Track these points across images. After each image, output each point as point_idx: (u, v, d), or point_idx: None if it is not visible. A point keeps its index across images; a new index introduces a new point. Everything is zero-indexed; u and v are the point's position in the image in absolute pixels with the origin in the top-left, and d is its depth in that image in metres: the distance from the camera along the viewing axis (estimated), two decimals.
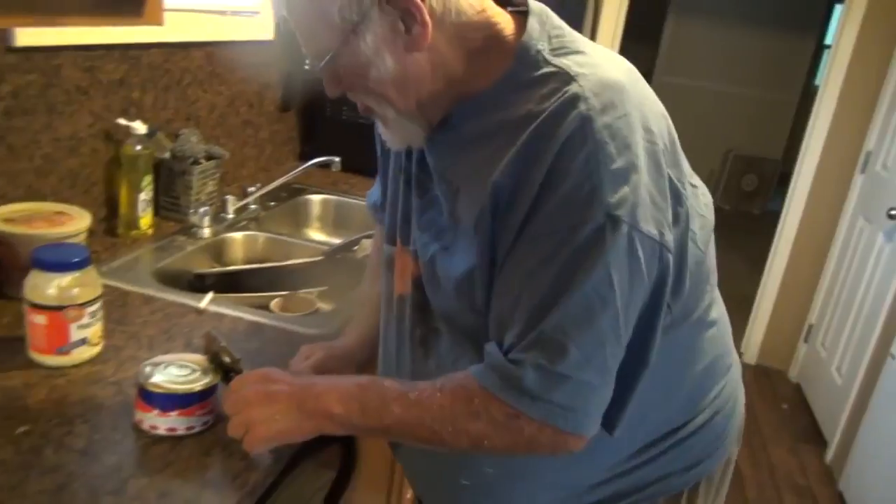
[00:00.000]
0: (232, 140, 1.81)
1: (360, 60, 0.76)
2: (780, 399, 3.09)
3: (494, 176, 0.75)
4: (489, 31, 0.78)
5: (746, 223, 5.62)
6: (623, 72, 0.78)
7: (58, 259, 0.94)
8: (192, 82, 1.61)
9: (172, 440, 0.86)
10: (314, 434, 0.81)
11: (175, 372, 0.89)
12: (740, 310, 3.38)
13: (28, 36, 1.15)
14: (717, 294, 0.93)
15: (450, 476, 0.93)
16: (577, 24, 2.88)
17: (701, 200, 0.85)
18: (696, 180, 0.86)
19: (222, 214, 1.59)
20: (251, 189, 1.68)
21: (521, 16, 0.80)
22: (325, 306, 1.42)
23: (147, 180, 1.41)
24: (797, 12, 5.60)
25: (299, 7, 0.76)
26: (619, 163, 0.70)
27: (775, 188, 5.80)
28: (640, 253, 0.71)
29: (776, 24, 5.63)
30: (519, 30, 0.78)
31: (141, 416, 0.87)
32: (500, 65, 0.77)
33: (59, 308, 0.94)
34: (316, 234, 1.89)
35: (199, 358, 0.93)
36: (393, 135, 0.86)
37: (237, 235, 1.57)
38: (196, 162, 1.53)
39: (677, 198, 0.77)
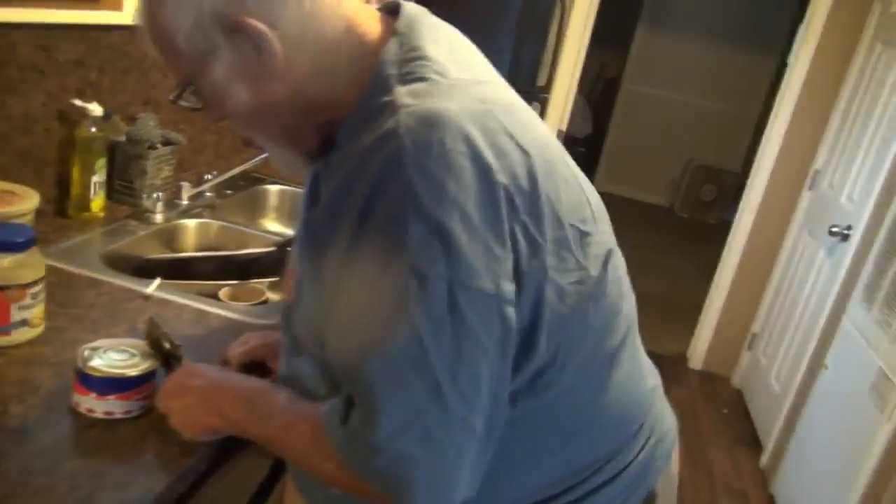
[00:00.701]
0: (191, 126, 1.81)
1: (215, 90, 0.73)
2: (722, 404, 3.19)
3: (314, 212, 0.72)
4: (356, 51, 0.73)
5: (703, 232, 5.75)
6: (467, 103, 0.69)
7: (1, 239, 0.95)
8: (152, 66, 1.61)
9: (109, 423, 0.87)
10: (214, 431, 0.83)
11: (114, 356, 0.90)
12: (691, 316, 3.47)
13: None
14: (623, 358, 0.83)
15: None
16: (543, 28, 2.92)
17: (591, 251, 0.76)
18: (596, 222, 0.78)
19: (176, 200, 1.59)
20: (207, 176, 1.68)
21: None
22: (274, 297, 1.43)
23: (101, 163, 1.41)
24: (763, 29, 5.74)
25: (149, 37, 0.74)
26: (431, 210, 0.63)
27: (733, 199, 5.94)
28: (468, 310, 0.65)
29: (743, 39, 5.77)
30: (386, 40, 0.74)
31: (78, 399, 0.88)
32: (363, 87, 0.73)
33: (1, 288, 0.94)
34: (272, 224, 1.90)
35: (139, 343, 0.95)
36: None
37: (190, 222, 1.57)
38: (152, 146, 1.52)
39: (532, 248, 0.69)
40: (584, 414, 0.80)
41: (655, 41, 5.95)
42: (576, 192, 0.77)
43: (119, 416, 0.88)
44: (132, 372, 0.88)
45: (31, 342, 0.99)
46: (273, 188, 1.91)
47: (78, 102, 1.38)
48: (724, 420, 3.07)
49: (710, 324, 3.39)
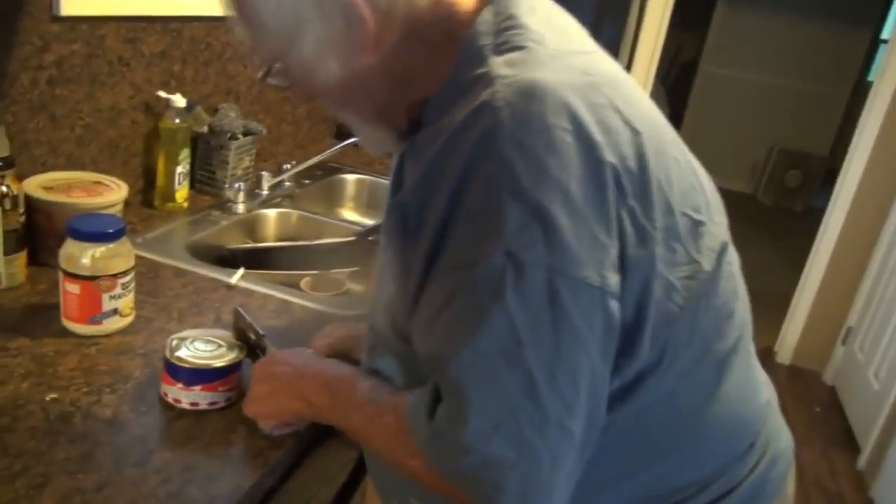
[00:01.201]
0: (269, 116, 1.82)
1: (304, 66, 0.70)
2: (814, 401, 3.03)
3: (400, 195, 0.67)
4: (448, 22, 0.68)
5: (788, 220, 5.49)
6: (570, 73, 0.64)
7: (92, 229, 0.95)
8: (232, 57, 1.61)
9: (197, 414, 0.86)
10: (299, 416, 0.81)
11: (201, 347, 0.89)
12: (776, 309, 3.30)
13: (73, 5, 1.16)
14: (735, 365, 0.75)
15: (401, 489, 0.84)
16: (622, 12, 2.81)
17: (705, 243, 0.69)
18: (710, 211, 0.71)
19: (257, 190, 1.59)
20: (286, 166, 1.68)
21: None
22: (355, 287, 1.42)
23: (184, 153, 1.42)
24: (853, 4, 5.41)
25: (237, 17, 0.72)
26: (529, 190, 0.58)
27: (820, 185, 5.64)
28: (569, 302, 0.59)
29: (830, 15, 5.44)
30: (478, 10, 0.69)
31: (166, 389, 0.87)
32: (451, 56, 0.68)
33: (93, 278, 0.95)
34: (349, 213, 1.89)
35: (226, 334, 0.94)
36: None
37: (271, 212, 1.57)
38: (234, 137, 1.53)
39: (640, 236, 0.62)
40: (684, 426, 0.73)
41: (736, 20, 5.69)
42: (688, 177, 0.70)
43: (204, 406, 0.87)
44: (218, 363, 0.87)
45: (121, 331, 1.00)
46: (350, 177, 1.90)
47: (162, 94, 1.39)
48: (816, 419, 2.91)
49: (799, 316, 3.22)
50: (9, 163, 1.01)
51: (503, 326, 0.59)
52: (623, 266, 0.62)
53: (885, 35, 5.52)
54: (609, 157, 0.61)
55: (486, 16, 0.68)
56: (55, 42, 1.17)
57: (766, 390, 0.84)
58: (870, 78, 5.52)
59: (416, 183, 0.66)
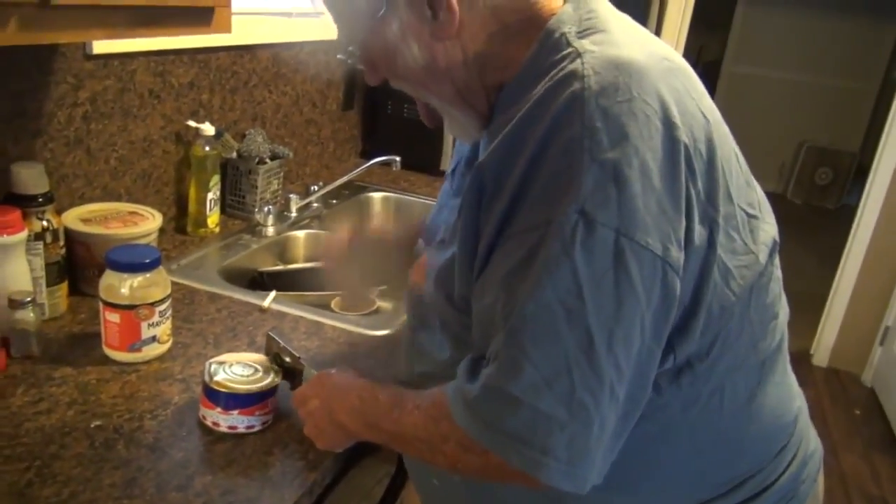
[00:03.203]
0: (295, 139, 1.85)
1: (388, 47, 0.73)
2: (853, 404, 2.97)
3: (481, 157, 0.68)
4: (529, 11, 0.71)
5: (820, 218, 5.40)
6: (649, 55, 0.67)
7: (130, 260, 0.98)
8: (258, 83, 1.65)
9: (235, 438, 0.88)
10: (341, 442, 0.85)
11: (238, 371, 0.92)
12: (811, 309, 3.25)
13: (104, 44, 1.21)
14: (776, 369, 0.77)
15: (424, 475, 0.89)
16: (642, 9, 2.81)
17: (759, 237, 0.71)
18: (762, 209, 0.74)
19: (286, 213, 1.62)
20: (314, 188, 1.71)
21: None
22: (385, 305, 1.44)
23: (215, 180, 1.46)
24: None
25: (327, 1, 0.76)
26: (609, 154, 0.60)
27: (852, 182, 5.55)
28: (633, 266, 0.60)
29: (854, 10, 5.36)
30: (557, 5, 0.72)
31: (205, 412, 0.90)
32: (531, 45, 0.71)
33: (131, 307, 0.98)
34: None
35: (261, 358, 0.96)
36: (451, 125, 0.81)
37: (300, 234, 1.60)
38: (261, 161, 1.57)
39: (704, 218, 0.65)
40: (727, 423, 0.74)
41: (758, 18, 5.63)
42: (744, 174, 0.73)
43: (242, 430, 0.89)
44: (255, 388, 0.89)
45: (159, 358, 1.03)
46: (376, 196, 1.92)
47: (192, 123, 1.43)
48: (856, 421, 2.85)
49: (835, 317, 3.16)
50: (49, 198, 1.06)
51: (568, 281, 0.60)
52: (686, 245, 0.63)
53: None
54: (684, 136, 0.63)
55: (567, 9, 0.71)
56: (89, 79, 1.22)
57: (798, 398, 0.86)
58: None
59: (496, 147, 0.67)
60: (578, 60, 0.64)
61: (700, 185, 0.64)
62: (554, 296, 0.60)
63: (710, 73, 5.93)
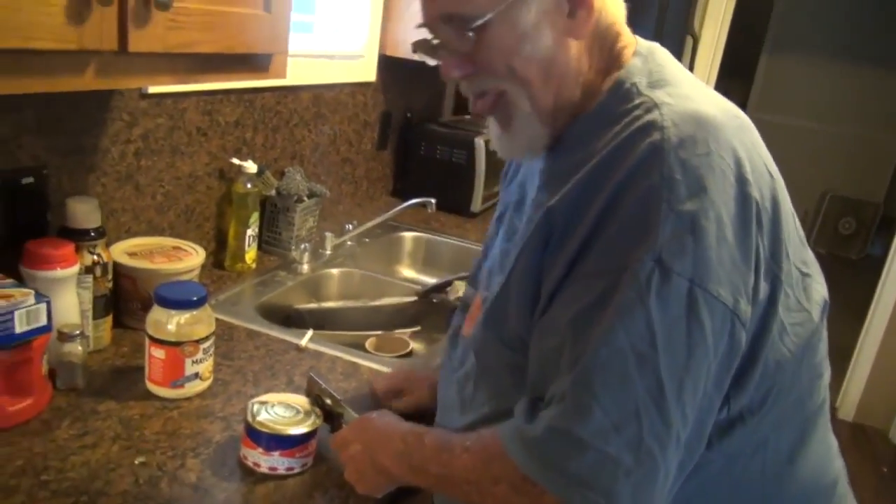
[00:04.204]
0: (331, 177, 1.88)
1: (516, 31, 0.69)
2: (880, 461, 2.91)
3: (552, 201, 0.69)
4: (612, 48, 0.74)
5: (843, 268, 5.35)
6: (722, 111, 0.69)
7: (178, 297, 1.00)
8: (298, 122, 1.69)
9: (276, 480, 0.89)
10: (384, 486, 0.85)
11: (281, 412, 0.92)
12: (836, 362, 3.17)
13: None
14: (819, 427, 0.77)
15: None
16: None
17: (812, 295, 0.72)
18: (812, 268, 0.75)
19: (321, 250, 1.64)
20: (349, 226, 1.73)
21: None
22: (417, 346, 1.44)
23: (254, 217, 1.48)
24: None
25: None
26: (687, 205, 0.61)
27: (875, 232, 5.51)
28: (705, 316, 0.61)
29: (878, 59, 5.38)
30: (628, 57, 0.75)
31: (246, 452, 0.90)
32: (602, 90, 0.73)
33: (177, 344, 0.99)
34: (406, 270, 1.93)
35: (303, 399, 0.97)
36: (512, 138, 0.77)
37: (334, 272, 1.62)
38: (300, 200, 1.59)
39: (768, 274, 0.66)
40: (769, 481, 0.74)
41: (782, 67, 5.67)
42: (799, 233, 0.74)
43: (282, 472, 0.89)
44: (297, 430, 0.90)
45: (201, 394, 1.04)
46: (408, 235, 1.94)
47: (235, 161, 1.46)
48: (884, 480, 2.79)
49: (862, 370, 3.11)
50: (101, 233, 1.08)
51: (642, 327, 0.60)
52: (753, 298, 0.64)
53: None
54: (755, 192, 0.65)
55: (636, 62, 0.74)
56: (143, 117, 1.25)
57: (838, 458, 0.85)
58: None
59: (569, 191, 0.68)
60: (657, 111, 0.66)
61: (766, 241, 0.66)
62: (627, 341, 0.61)
63: None
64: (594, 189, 0.66)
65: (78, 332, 1.00)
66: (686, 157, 0.62)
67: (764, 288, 0.65)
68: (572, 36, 0.71)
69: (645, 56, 0.75)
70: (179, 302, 1.00)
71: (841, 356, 3.19)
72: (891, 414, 3.09)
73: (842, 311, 3.68)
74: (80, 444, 0.90)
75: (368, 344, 1.37)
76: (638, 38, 0.78)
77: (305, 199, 1.61)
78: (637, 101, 0.69)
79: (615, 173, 0.64)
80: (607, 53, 0.74)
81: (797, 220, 0.75)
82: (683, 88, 0.70)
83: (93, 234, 1.07)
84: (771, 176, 0.69)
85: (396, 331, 1.41)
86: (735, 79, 5.57)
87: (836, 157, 5.69)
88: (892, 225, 3.06)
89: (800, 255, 0.72)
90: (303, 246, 1.56)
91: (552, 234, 0.68)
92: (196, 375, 1.03)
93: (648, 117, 0.66)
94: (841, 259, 5.60)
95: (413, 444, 0.80)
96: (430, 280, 1.78)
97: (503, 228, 0.88)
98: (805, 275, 0.72)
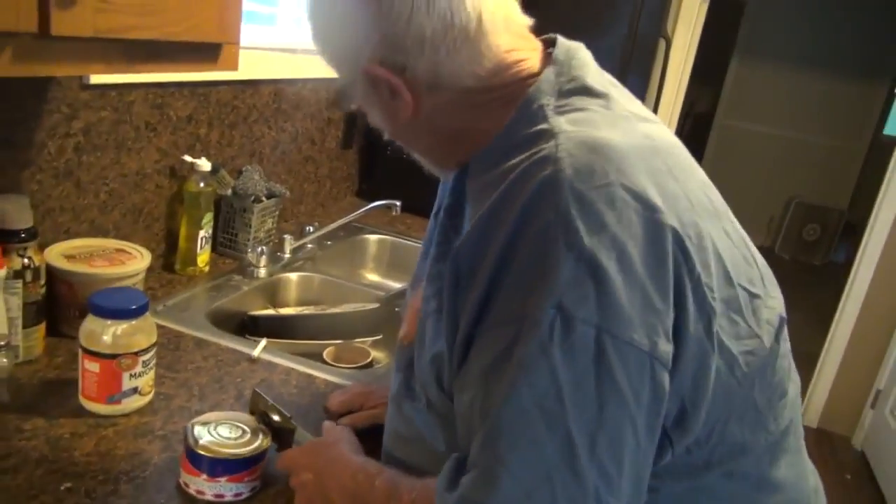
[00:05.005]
0: (292, 176, 1.80)
1: (362, 105, 0.75)
2: (843, 468, 2.92)
3: (457, 242, 0.65)
4: (508, 88, 0.69)
5: (806, 274, 5.41)
6: (631, 135, 0.64)
7: (115, 305, 0.92)
8: (258, 119, 1.61)
9: None
10: None
11: (224, 433, 0.85)
12: (800, 367, 3.17)
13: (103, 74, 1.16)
14: (788, 448, 0.73)
15: None
16: (646, 68, 2.82)
17: (763, 316, 0.67)
18: (763, 287, 0.69)
19: (279, 253, 1.57)
20: (309, 228, 1.66)
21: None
22: (378, 355, 1.38)
23: (208, 217, 1.40)
24: (868, 59, 5.43)
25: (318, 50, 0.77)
26: (586, 244, 0.56)
27: (839, 239, 5.59)
28: (616, 364, 0.56)
29: (845, 69, 5.46)
30: (541, 72, 0.70)
31: (187, 479, 0.83)
32: (508, 115, 0.69)
33: (113, 356, 0.91)
34: (371, 274, 1.86)
35: (249, 418, 0.90)
36: (422, 163, 0.81)
37: (293, 276, 1.54)
38: (257, 200, 1.51)
39: (700, 306, 0.60)
40: None
41: (751, 73, 5.72)
42: (741, 250, 0.69)
43: (230, 498, 0.82)
44: (244, 452, 0.83)
45: (140, 410, 0.96)
46: (372, 237, 1.87)
47: (188, 158, 1.38)
48: (847, 487, 2.80)
49: (826, 377, 3.13)
50: (32, 234, 0.99)
51: (546, 382, 0.56)
52: (680, 335, 0.60)
53: None
54: (669, 220, 0.60)
55: (549, 75, 0.68)
56: (84, 109, 1.16)
57: (812, 476, 0.81)
58: (886, 132, 5.51)
59: (470, 233, 0.64)
60: (553, 142, 0.62)
61: (692, 269, 0.60)
62: (531, 399, 0.56)
63: (701, 124, 5.99)
64: (493, 228, 0.61)
65: (3, 342, 0.92)
66: (583, 191, 0.57)
67: (695, 320, 0.60)
68: (402, 119, 0.71)
69: (560, 64, 0.70)
70: (116, 311, 0.92)
71: (805, 362, 3.19)
72: (855, 420, 3.11)
73: (805, 317, 3.73)
74: (1, 466, 0.82)
75: (326, 354, 1.30)
76: (559, 39, 0.73)
77: (264, 199, 1.53)
78: (540, 127, 0.65)
79: (510, 212, 0.60)
80: (507, 82, 0.69)
81: (738, 235, 0.70)
82: (591, 112, 0.66)
83: (23, 234, 0.98)
84: (689, 200, 0.63)
85: (357, 340, 1.34)
86: (705, 84, 5.60)
87: (802, 164, 5.76)
88: (855, 232, 3.07)
89: (745, 274, 0.67)
90: (260, 249, 1.48)
91: (460, 277, 0.64)
92: (135, 390, 0.95)
93: (545, 149, 0.61)
94: (804, 265, 5.66)
95: (363, 484, 0.74)
96: (395, 284, 1.72)
97: (434, 231, 0.82)
98: (754, 296, 0.67)
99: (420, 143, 0.77)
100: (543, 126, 0.65)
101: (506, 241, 0.60)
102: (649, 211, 0.59)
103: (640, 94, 2.83)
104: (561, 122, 0.64)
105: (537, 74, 0.70)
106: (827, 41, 5.44)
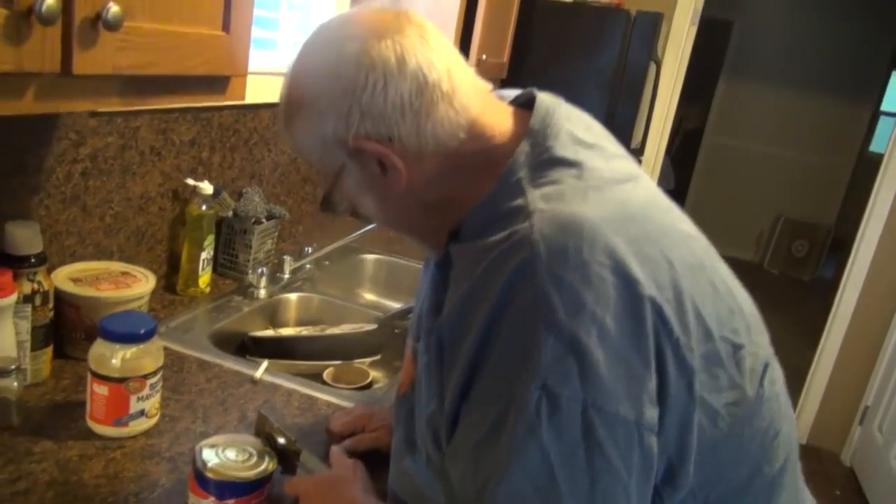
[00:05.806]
0: (291, 197, 1.83)
1: (350, 196, 0.77)
2: (833, 484, 2.95)
3: (442, 316, 0.67)
4: (485, 154, 0.71)
5: (794, 290, 5.47)
6: (604, 205, 0.65)
7: (124, 330, 0.94)
8: (258, 142, 1.64)
9: None
10: None
11: (232, 455, 0.87)
12: (789, 383, 3.23)
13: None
14: (785, 485, 0.74)
15: None
16: (637, 89, 2.87)
17: (746, 366, 0.68)
18: (749, 332, 0.70)
19: (279, 274, 1.59)
20: (308, 249, 1.68)
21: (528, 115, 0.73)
22: (377, 375, 1.40)
23: (209, 239, 1.42)
24: (853, 77, 5.53)
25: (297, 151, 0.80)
26: (566, 324, 0.58)
27: (826, 255, 5.66)
28: (605, 437, 0.58)
29: (831, 88, 5.56)
30: (518, 138, 0.71)
31: (195, 501, 0.84)
32: (490, 182, 0.70)
33: (122, 380, 0.93)
34: (368, 294, 1.88)
35: (255, 440, 0.92)
36: (411, 243, 0.83)
37: (292, 296, 1.56)
38: (258, 221, 1.54)
39: (680, 366, 0.62)
40: None
41: (740, 92, 5.81)
42: (725, 300, 0.70)
43: None
44: (251, 475, 0.84)
45: (146, 433, 0.98)
46: (370, 257, 1.90)
47: (191, 181, 1.40)
48: (836, 502, 2.83)
49: (815, 393, 3.16)
50: (41, 259, 1.01)
51: (537, 462, 0.58)
52: (663, 396, 0.62)
53: (885, 107, 5.63)
54: (648, 290, 0.61)
55: (524, 147, 0.70)
56: (91, 136, 1.19)
57: None
58: (872, 149, 5.61)
59: (453, 307, 0.66)
60: (527, 223, 0.63)
61: (671, 333, 0.62)
62: (524, 479, 0.58)
63: (690, 141, 6.07)
64: (474, 308, 0.63)
65: (14, 366, 0.93)
66: (560, 273, 0.59)
67: (676, 382, 0.62)
68: (394, 192, 0.73)
69: (535, 135, 0.71)
70: (125, 335, 0.94)
71: (794, 378, 3.23)
72: (843, 436, 3.14)
73: (794, 333, 3.77)
74: (13, 489, 0.83)
75: (326, 374, 1.33)
76: (537, 100, 0.74)
77: (264, 220, 1.56)
78: (517, 203, 0.66)
79: (491, 292, 0.61)
80: (483, 147, 0.71)
81: (723, 283, 0.71)
82: (564, 185, 0.66)
83: (33, 260, 1.00)
84: (668, 262, 0.64)
85: (356, 360, 1.36)
86: (694, 104, 5.68)
87: (790, 180, 5.84)
88: (842, 247, 3.11)
89: (728, 324, 0.68)
90: (260, 270, 1.50)
91: (443, 352, 0.67)
92: (142, 413, 0.97)
93: (520, 231, 0.63)
94: (793, 280, 5.72)
95: None
96: (392, 304, 1.74)
97: (428, 276, 0.85)
98: (737, 347, 0.68)
99: (412, 219, 0.77)
100: (520, 202, 0.66)
101: (486, 322, 0.61)
102: (625, 283, 0.60)
103: (632, 114, 2.88)
104: (536, 198, 0.66)
105: (513, 139, 0.71)
106: (813, 60, 5.54)
